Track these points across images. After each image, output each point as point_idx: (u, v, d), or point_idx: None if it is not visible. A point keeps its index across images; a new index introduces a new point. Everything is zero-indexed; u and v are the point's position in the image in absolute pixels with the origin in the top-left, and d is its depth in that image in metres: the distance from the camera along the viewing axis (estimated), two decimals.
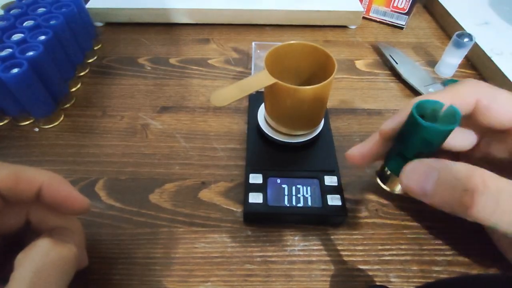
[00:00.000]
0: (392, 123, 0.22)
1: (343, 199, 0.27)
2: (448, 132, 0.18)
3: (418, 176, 0.18)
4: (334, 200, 0.27)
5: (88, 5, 0.47)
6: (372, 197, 0.30)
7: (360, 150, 0.24)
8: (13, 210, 0.21)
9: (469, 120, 0.23)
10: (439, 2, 0.52)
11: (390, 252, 0.27)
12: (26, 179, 0.19)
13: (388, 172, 0.23)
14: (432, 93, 0.22)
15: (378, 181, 0.24)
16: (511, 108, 0.21)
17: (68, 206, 0.21)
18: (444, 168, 0.18)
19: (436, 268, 0.26)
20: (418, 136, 0.19)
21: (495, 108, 0.21)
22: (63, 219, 0.22)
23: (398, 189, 0.23)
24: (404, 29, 0.50)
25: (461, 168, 0.17)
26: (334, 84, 0.40)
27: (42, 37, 0.35)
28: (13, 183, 0.19)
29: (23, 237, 0.22)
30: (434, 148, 0.19)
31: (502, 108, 0.21)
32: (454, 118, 0.18)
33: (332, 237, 0.28)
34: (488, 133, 0.24)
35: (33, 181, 0.20)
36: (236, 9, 0.48)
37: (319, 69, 0.30)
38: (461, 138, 0.24)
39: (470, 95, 0.21)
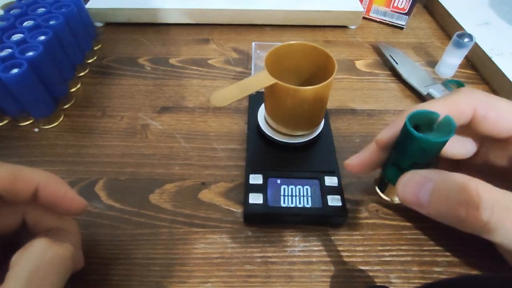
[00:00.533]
0: (388, 133, 0.22)
1: (343, 199, 0.27)
2: (443, 144, 0.18)
3: (413, 187, 0.18)
4: (334, 200, 0.27)
5: (88, 5, 0.47)
6: (372, 197, 0.30)
7: (359, 158, 0.24)
8: (9, 210, 0.21)
9: (468, 129, 0.23)
10: (439, 2, 0.52)
11: (391, 253, 0.27)
12: (23, 179, 0.19)
13: (387, 181, 0.23)
14: (429, 103, 0.22)
15: (377, 190, 0.24)
16: (508, 117, 0.21)
17: (64, 206, 0.20)
18: (438, 180, 0.18)
19: (437, 269, 0.26)
20: (413, 147, 0.19)
21: (492, 117, 0.21)
22: (60, 220, 0.22)
23: (397, 199, 0.23)
24: (404, 29, 0.50)
25: (456, 179, 0.17)
26: (334, 84, 0.40)
27: (42, 37, 0.34)
28: (10, 182, 0.19)
29: (19, 239, 0.22)
30: (430, 159, 0.19)
31: (499, 117, 0.21)
32: (449, 129, 0.18)
33: (332, 237, 0.28)
34: (487, 141, 0.23)
35: (30, 181, 0.20)
36: (236, 9, 0.48)
37: (319, 69, 0.29)
38: (460, 147, 0.24)
39: (467, 105, 0.21)
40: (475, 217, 0.16)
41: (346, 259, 0.26)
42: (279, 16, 0.49)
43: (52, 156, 0.33)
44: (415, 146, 0.18)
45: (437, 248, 0.27)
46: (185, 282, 0.25)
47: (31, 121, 0.36)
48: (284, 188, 0.28)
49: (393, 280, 0.25)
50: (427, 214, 0.18)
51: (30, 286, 0.16)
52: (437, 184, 0.17)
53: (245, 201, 0.27)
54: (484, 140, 0.24)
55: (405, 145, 0.19)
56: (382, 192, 0.24)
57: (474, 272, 0.26)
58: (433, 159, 0.19)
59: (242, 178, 0.31)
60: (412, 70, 0.41)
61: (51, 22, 0.36)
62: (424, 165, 0.19)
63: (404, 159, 0.20)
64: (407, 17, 0.49)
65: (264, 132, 0.31)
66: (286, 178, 0.29)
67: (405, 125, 0.19)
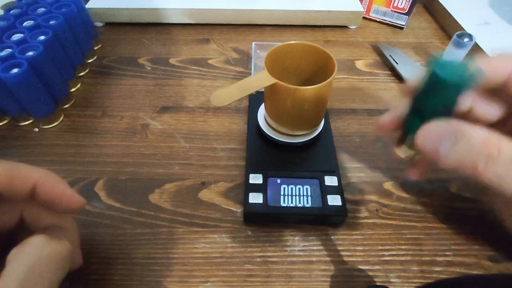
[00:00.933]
0: (413, 81, 0.21)
1: (343, 199, 0.27)
2: (466, 87, 0.18)
3: (434, 138, 0.18)
4: (334, 200, 0.27)
5: (88, 5, 0.47)
6: (372, 197, 0.30)
7: (391, 115, 0.24)
8: (7, 207, 0.21)
9: (500, 94, 0.22)
10: (439, 2, 0.52)
11: (390, 253, 0.27)
12: (21, 176, 0.19)
13: (406, 136, 0.23)
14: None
15: (395, 146, 0.24)
16: None
17: (62, 204, 0.20)
18: (460, 131, 0.18)
19: (436, 269, 0.26)
20: (437, 92, 0.18)
21: None
22: (58, 218, 0.22)
23: (410, 154, 0.23)
24: (404, 29, 0.50)
25: (478, 132, 0.17)
26: (334, 84, 0.40)
27: (42, 37, 0.35)
28: (8, 179, 0.19)
29: (17, 237, 0.22)
30: (452, 107, 0.19)
31: None
32: (475, 76, 0.18)
33: (332, 237, 0.28)
34: None
35: (28, 178, 0.20)
36: (236, 9, 0.48)
37: (319, 69, 0.30)
38: (487, 108, 0.23)
39: (502, 68, 0.21)
40: (492, 170, 0.16)
41: (346, 259, 0.26)
42: (279, 16, 0.49)
43: (52, 156, 0.33)
44: (439, 90, 0.18)
45: (437, 248, 0.27)
46: (185, 281, 0.25)
47: (31, 121, 0.36)
48: (284, 188, 0.28)
49: (392, 280, 0.25)
50: (443, 164, 0.18)
51: (27, 283, 0.16)
52: (459, 135, 0.17)
53: (245, 201, 0.27)
54: None
55: (429, 90, 0.19)
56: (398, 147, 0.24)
57: (474, 272, 0.26)
58: (454, 106, 0.19)
59: (242, 178, 0.31)
60: (412, 70, 0.41)
61: (51, 22, 0.36)
62: (445, 113, 0.19)
63: (427, 107, 0.20)
64: (407, 17, 0.49)
65: (264, 132, 0.31)
66: (286, 177, 0.29)
67: (430, 67, 0.18)
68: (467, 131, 0.18)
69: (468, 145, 0.17)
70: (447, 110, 0.19)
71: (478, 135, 0.17)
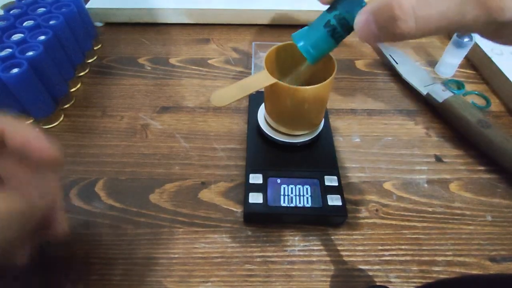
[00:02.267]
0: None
1: (343, 199, 0.27)
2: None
3: (364, 26, 0.19)
4: (334, 200, 0.27)
5: (88, 5, 0.47)
6: (372, 197, 0.30)
7: None
8: None
9: None
10: None
11: (390, 252, 0.27)
12: None
13: None
14: None
15: None
16: None
17: (32, 151, 0.19)
18: (366, 9, 0.18)
19: (436, 268, 0.26)
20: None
21: None
22: (37, 178, 0.21)
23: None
24: None
25: (377, 3, 0.18)
26: (334, 84, 0.40)
27: (42, 37, 0.35)
28: None
29: None
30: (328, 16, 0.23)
31: None
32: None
33: (332, 237, 0.28)
34: None
35: None
36: (236, 9, 0.48)
37: (319, 69, 0.29)
38: None
39: None
40: (406, 28, 0.17)
41: (346, 259, 0.27)
42: (279, 16, 0.49)
43: None
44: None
45: (436, 248, 0.27)
46: (186, 281, 0.25)
47: (31, 121, 0.36)
48: (284, 188, 0.28)
49: (392, 280, 0.25)
50: (384, 42, 0.20)
51: None
52: (375, 13, 0.18)
53: (245, 201, 0.27)
54: None
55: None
56: None
57: (474, 272, 0.26)
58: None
59: (242, 178, 0.31)
60: (412, 70, 0.41)
61: (51, 22, 0.36)
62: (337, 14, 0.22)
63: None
64: None
65: (264, 132, 0.31)
66: (286, 177, 0.29)
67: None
68: (375, 7, 0.18)
69: (382, 17, 0.18)
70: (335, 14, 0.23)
71: (383, 3, 0.17)
